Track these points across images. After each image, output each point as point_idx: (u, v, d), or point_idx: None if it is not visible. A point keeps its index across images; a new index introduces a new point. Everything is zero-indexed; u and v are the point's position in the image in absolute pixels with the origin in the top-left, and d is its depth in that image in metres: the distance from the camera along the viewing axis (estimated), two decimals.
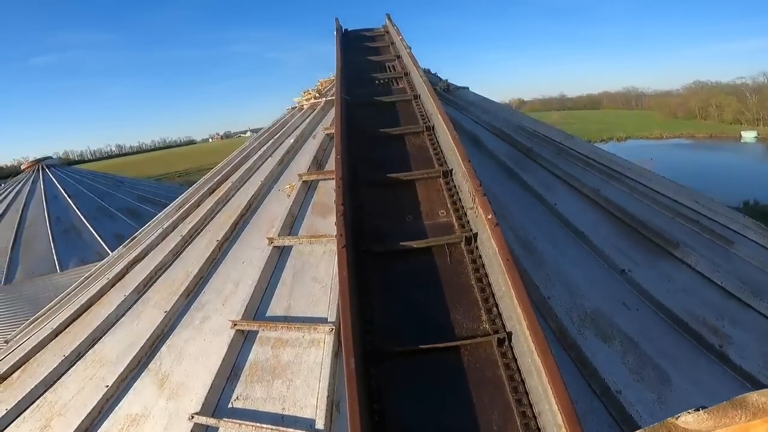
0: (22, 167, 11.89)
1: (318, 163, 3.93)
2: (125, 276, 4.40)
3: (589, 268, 3.26)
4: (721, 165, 39.55)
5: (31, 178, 11.30)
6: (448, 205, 2.65)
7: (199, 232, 4.07)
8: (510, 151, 3.89)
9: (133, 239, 5.53)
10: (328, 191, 3.69)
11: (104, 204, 10.51)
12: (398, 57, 5.01)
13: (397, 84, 4.40)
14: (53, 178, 11.20)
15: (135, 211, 10.57)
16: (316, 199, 3.65)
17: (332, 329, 2.83)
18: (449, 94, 4.89)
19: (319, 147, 4.01)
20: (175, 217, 4.61)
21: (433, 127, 3.30)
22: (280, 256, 3.40)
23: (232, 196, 4.19)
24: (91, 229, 9.67)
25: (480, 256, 2.32)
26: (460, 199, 2.65)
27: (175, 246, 4.05)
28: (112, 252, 9.35)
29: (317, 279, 3.24)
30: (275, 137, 4.70)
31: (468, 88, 5.52)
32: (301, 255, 3.37)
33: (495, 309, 2.13)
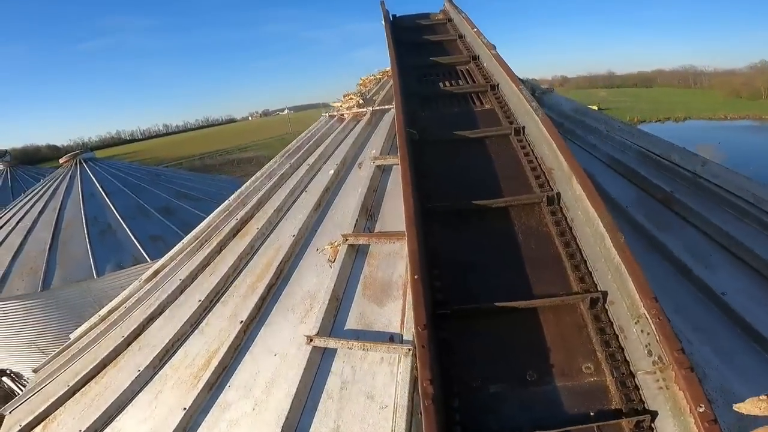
0: (60, 161, 11.66)
1: (368, 213, 2.94)
2: (140, 336, 3.75)
3: None
4: None
5: (69, 173, 11.00)
6: (599, 355, 1.59)
7: (220, 298, 3.26)
8: (641, 199, 2.74)
9: (156, 274, 4.82)
10: (383, 261, 2.73)
11: (141, 201, 10.06)
12: (474, 58, 3.80)
13: (480, 102, 3.23)
14: (90, 174, 10.84)
15: (170, 209, 10.06)
16: (367, 272, 2.69)
17: None
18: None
19: (368, 187, 3.00)
20: (196, 263, 3.81)
21: (558, 196, 2.13)
22: (322, 359, 2.51)
23: (257, 250, 3.30)
24: (127, 230, 9.25)
25: None
26: (622, 348, 1.58)
27: (192, 314, 3.27)
28: (148, 256, 8.96)
29: (373, 397, 2.37)
30: (309, 161, 3.71)
31: (553, 91, 4.26)
32: (350, 359, 2.47)
33: None
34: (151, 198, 10.30)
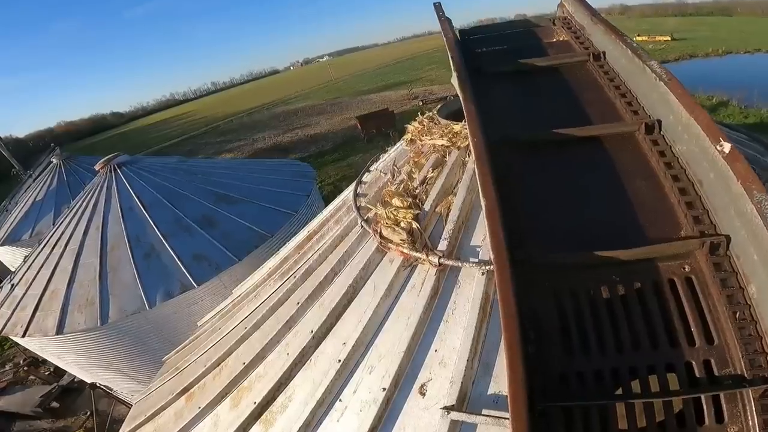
0: (96, 167, 11.07)
1: None
2: None
3: None
4: None
5: (105, 182, 10.39)
6: None
7: None
8: None
9: (186, 390, 4.04)
10: None
11: (180, 213, 9.34)
12: (667, 165, 1.92)
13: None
14: (126, 183, 10.17)
15: (211, 219, 9.28)
16: None
17: None
18: None
19: None
20: None
21: None
22: None
23: None
24: (170, 250, 8.69)
25: None
26: None
27: None
28: (193, 279, 8.43)
29: None
30: (340, 355, 2.34)
31: None
32: None
33: None
34: (190, 207, 9.55)
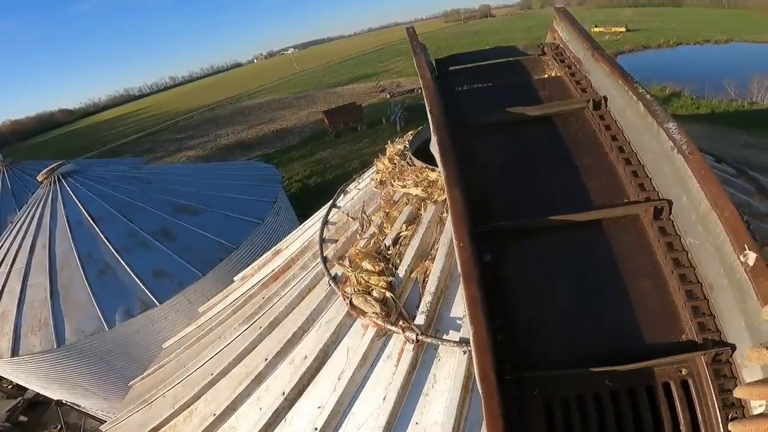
0: (39, 178, 10.24)
1: None
2: None
3: None
4: None
5: (50, 195, 9.55)
6: None
7: None
8: None
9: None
10: None
11: (135, 227, 8.73)
12: None
13: None
14: (72, 194, 9.40)
15: (169, 231, 8.75)
16: None
17: None
18: None
19: None
20: None
21: None
22: None
23: None
24: (126, 267, 8.16)
25: None
26: None
27: None
28: (155, 297, 7.97)
29: None
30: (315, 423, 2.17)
31: None
32: None
33: None
34: (146, 220, 8.97)
